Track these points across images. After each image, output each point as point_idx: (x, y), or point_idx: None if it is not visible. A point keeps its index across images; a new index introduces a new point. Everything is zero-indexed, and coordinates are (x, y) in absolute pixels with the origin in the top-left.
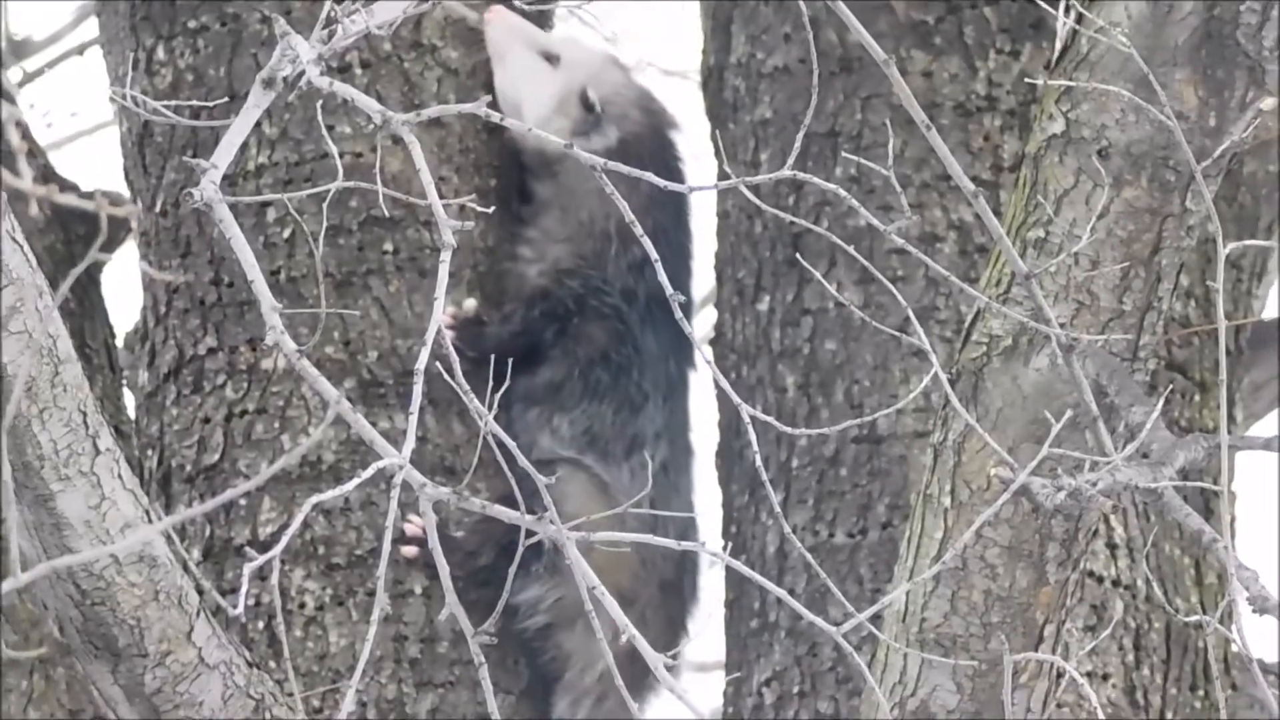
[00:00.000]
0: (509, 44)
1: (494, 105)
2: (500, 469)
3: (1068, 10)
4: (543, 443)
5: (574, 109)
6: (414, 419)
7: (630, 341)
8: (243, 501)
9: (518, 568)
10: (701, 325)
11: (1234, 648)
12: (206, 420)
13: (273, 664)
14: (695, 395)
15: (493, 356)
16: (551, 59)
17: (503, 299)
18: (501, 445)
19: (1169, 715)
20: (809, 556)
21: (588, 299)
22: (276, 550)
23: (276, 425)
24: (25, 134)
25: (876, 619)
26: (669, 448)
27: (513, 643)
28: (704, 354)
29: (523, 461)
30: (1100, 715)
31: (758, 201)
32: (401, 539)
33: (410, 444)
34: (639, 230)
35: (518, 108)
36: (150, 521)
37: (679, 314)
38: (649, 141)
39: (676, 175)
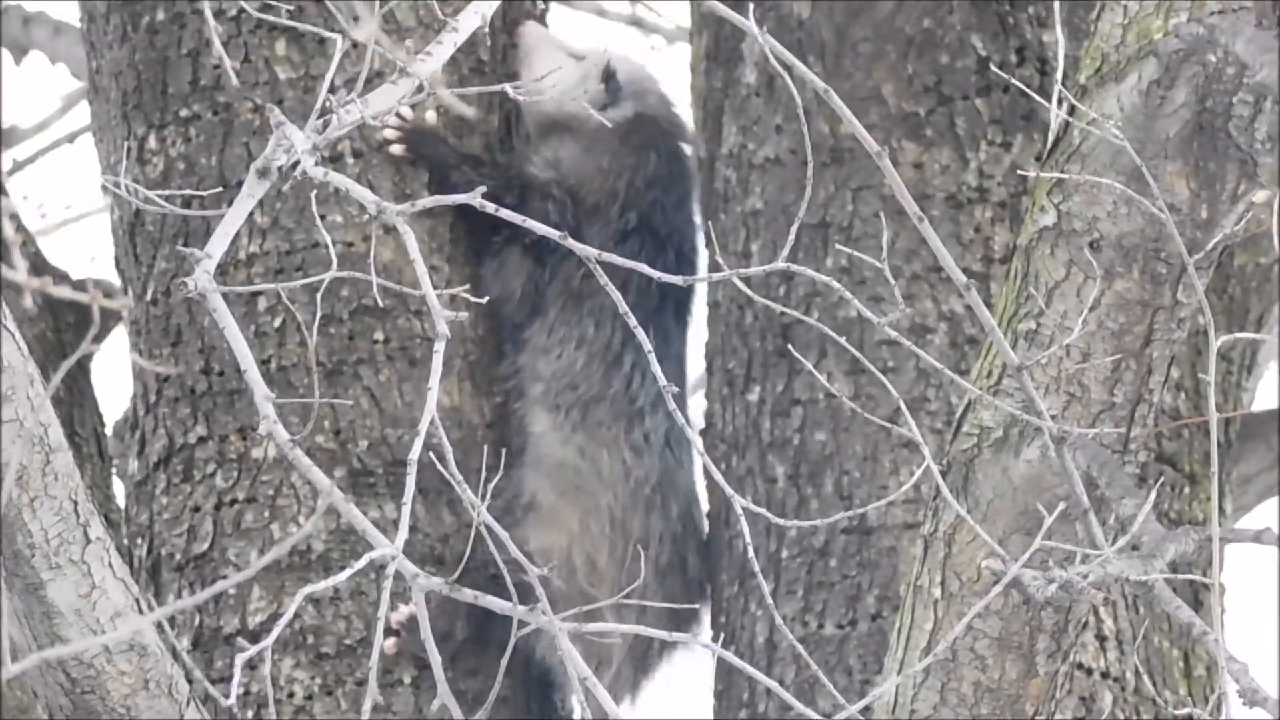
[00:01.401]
0: (539, 43)
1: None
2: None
3: (1059, 102)
4: (532, 392)
5: (594, 84)
6: (406, 509)
7: (594, 288)
8: (232, 590)
9: (529, 639)
10: (692, 412)
11: None
12: (196, 509)
13: None
14: (684, 374)
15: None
16: (577, 57)
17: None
18: (494, 535)
19: None
20: (799, 647)
21: (569, 226)
22: (268, 641)
23: (266, 514)
24: (18, 224)
25: (866, 711)
26: (666, 420)
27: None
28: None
29: (515, 552)
30: None
31: (749, 292)
32: (386, 629)
33: (403, 534)
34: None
35: (541, 90)
36: (140, 610)
37: (672, 405)
38: (662, 122)
39: (683, 163)
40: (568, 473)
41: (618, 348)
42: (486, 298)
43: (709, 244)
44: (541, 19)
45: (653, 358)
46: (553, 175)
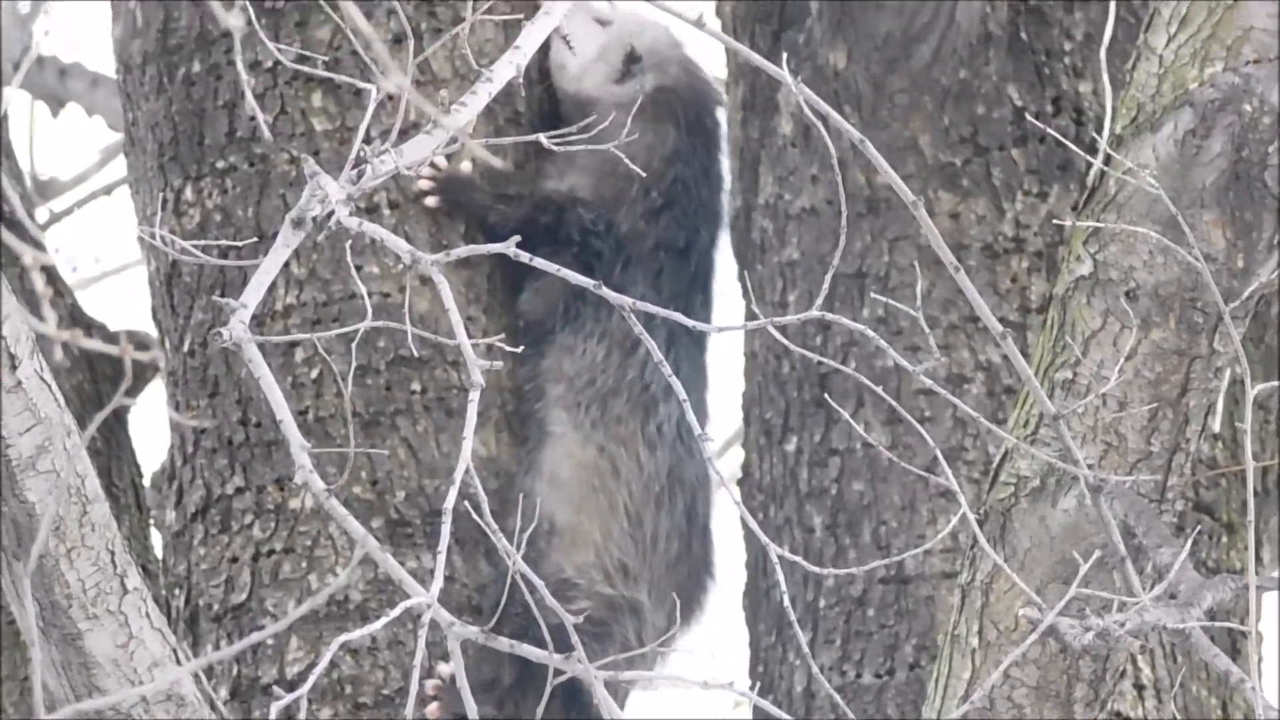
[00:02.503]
0: (568, 11)
1: (545, 68)
2: None
3: (1095, 151)
4: (553, 393)
5: (615, 57)
6: (441, 558)
7: (603, 278)
8: (270, 640)
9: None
10: (729, 463)
11: None
12: (234, 559)
13: None
14: (707, 355)
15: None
16: (604, 23)
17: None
18: (529, 583)
19: None
20: (836, 696)
21: (589, 236)
22: (304, 689)
23: (304, 565)
24: (51, 276)
25: None
26: (678, 409)
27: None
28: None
29: (550, 601)
30: None
31: (785, 342)
32: (422, 697)
33: (438, 583)
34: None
35: (564, 64)
36: (178, 661)
37: (708, 453)
38: (683, 92)
39: (707, 130)
40: (586, 474)
41: (635, 336)
42: (524, 314)
43: (745, 294)
44: None
45: (687, 406)
46: (574, 179)
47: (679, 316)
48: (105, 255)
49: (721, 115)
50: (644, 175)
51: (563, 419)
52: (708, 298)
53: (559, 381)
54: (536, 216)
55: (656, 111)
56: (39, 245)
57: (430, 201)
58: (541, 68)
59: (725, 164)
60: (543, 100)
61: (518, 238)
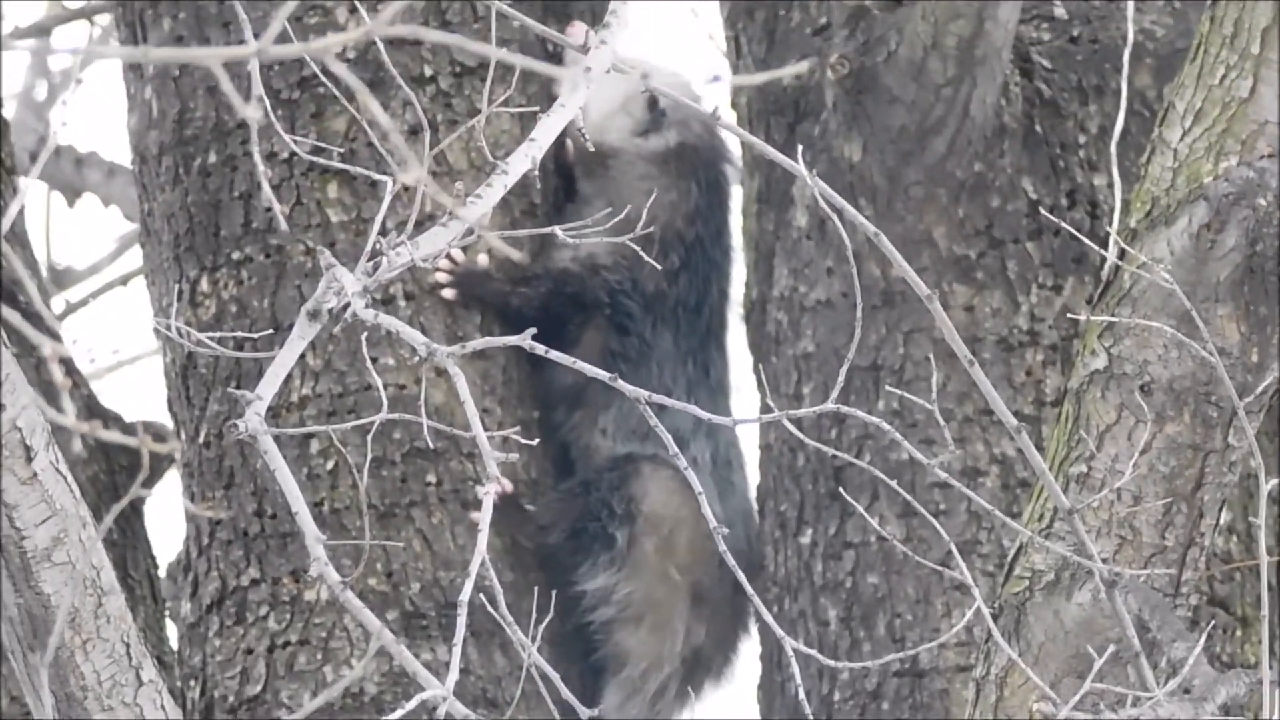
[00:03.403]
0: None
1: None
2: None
3: (1109, 245)
4: (599, 444)
5: (638, 109)
6: (457, 651)
7: (637, 335)
8: None
9: (587, 556)
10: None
11: None
12: (249, 651)
13: None
14: (729, 401)
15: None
16: (621, 70)
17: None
18: (545, 676)
19: None
20: None
21: (619, 296)
22: None
23: (319, 657)
24: (69, 367)
25: None
26: (709, 443)
27: (571, 630)
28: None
29: (566, 694)
30: None
31: (800, 435)
32: None
33: (454, 676)
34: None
35: (584, 111)
36: None
37: (721, 546)
38: (705, 152)
39: (722, 188)
40: (663, 521)
41: (669, 386)
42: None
43: (760, 387)
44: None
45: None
46: (594, 241)
47: (697, 411)
48: (122, 345)
49: (733, 171)
50: (667, 234)
51: (602, 447)
52: (723, 350)
53: (603, 436)
54: (560, 289)
55: (680, 168)
56: (56, 336)
57: (447, 294)
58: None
59: (733, 218)
60: (557, 149)
61: (533, 330)
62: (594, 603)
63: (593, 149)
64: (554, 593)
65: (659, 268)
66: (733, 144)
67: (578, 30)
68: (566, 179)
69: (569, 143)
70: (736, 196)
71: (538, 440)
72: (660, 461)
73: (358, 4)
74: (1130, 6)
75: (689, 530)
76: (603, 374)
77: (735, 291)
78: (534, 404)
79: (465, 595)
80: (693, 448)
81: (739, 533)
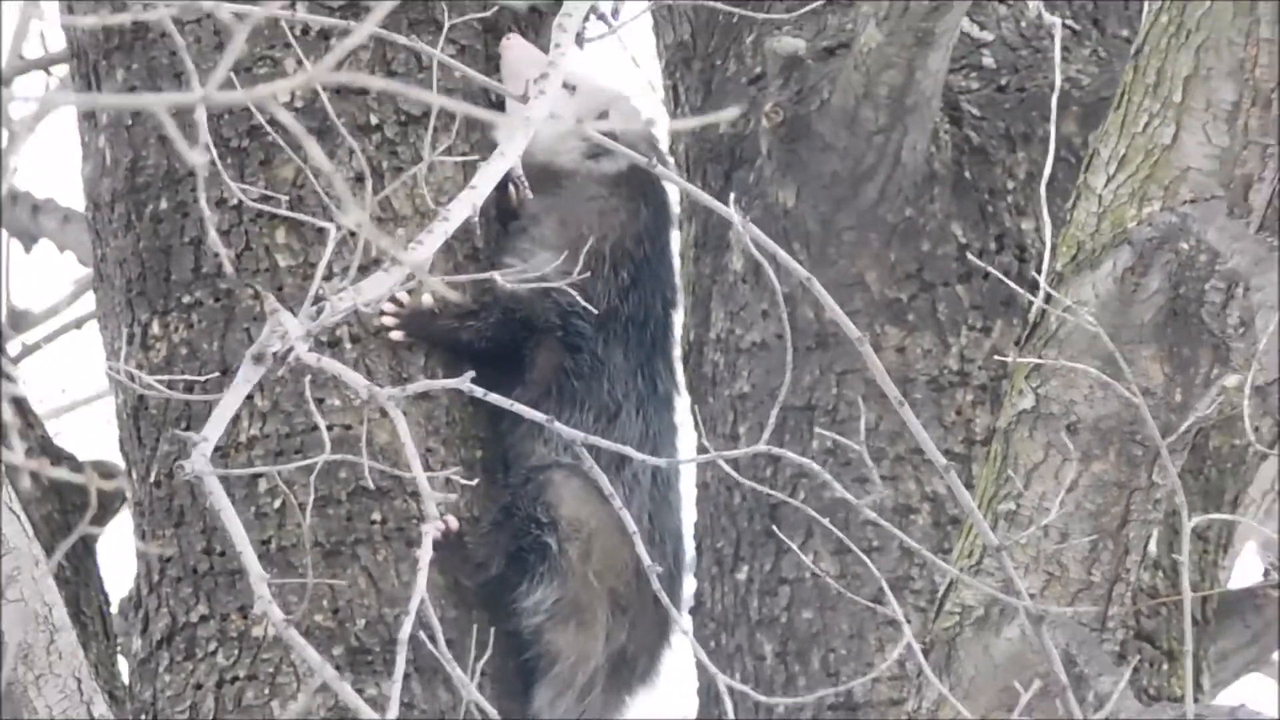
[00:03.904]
0: (526, 65)
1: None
2: None
3: (1037, 288)
4: (538, 450)
5: (593, 114)
6: (397, 687)
7: (589, 353)
8: None
9: (525, 573)
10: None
11: None
12: (199, 686)
13: None
14: (675, 413)
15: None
16: (568, 87)
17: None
18: (483, 713)
19: None
20: None
21: (570, 316)
22: None
23: (267, 691)
24: (22, 407)
25: None
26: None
27: (502, 641)
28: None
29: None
30: None
31: (736, 475)
32: None
33: (394, 710)
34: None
35: (536, 133)
36: None
37: (656, 587)
38: (651, 174)
39: (667, 207)
40: (587, 507)
41: (619, 400)
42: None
43: (697, 427)
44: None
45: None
46: (544, 258)
47: (639, 455)
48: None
49: (673, 191)
50: (617, 253)
51: (539, 453)
52: (669, 362)
53: (546, 443)
54: (510, 316)
55: (630, 190)
56: (8, 378)
57: (395, 336)
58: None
59: (672, 240)
60: (499, 194)
61: (472, 373)
62: (532, 612)
63: (544, 166)
64: (493, 629)
65: (610, 286)
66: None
67: (512, 43)
68: (505, 222)
69: (510, 188)
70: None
71: (477, 480)
72: (572, 469)
73: (302, 56)
74: (1057, 56)
75: (604, 538)
76: (540, 416)
77: (678, 305)
78: (477, 443)
79: (405, 633)
80: (633, 464)
81: (667, 550)
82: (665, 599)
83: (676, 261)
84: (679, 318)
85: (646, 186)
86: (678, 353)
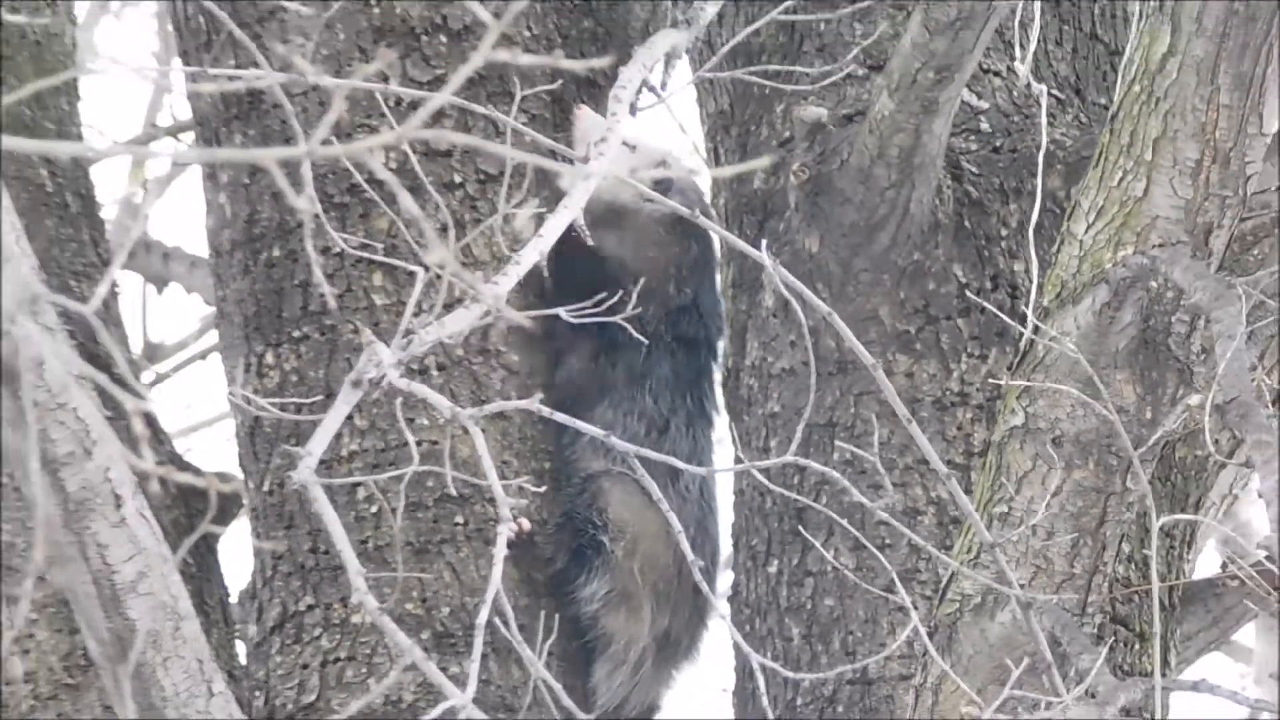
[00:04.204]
0: (594, 128)
1: None
2: None
3: (1026, 321)
4: (594, 466)
5: (646, 180)
6: (475, 665)
7: (635, 365)
8: None
9: (584, 568)
10: (721, 581)
11: None
12: (305, 666)
13: None
14: (715, 433)
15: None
16: (628, 145)
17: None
18: (549, 687)
19: None
20: None
21: (622, 330)
22: None
23: (364, 670)
24: (153, 425)
25: None
26: (701, 477)
27: (565, 626)
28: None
29: (566, 702)
30: None
31: (767, 482)
32: None
33: (473, 686)
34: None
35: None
36: None
37: (699, 579)
38: (702, 206)
39: (712, 250)
40: (637, 513)
41: (667, 414)
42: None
43: (734, 442)
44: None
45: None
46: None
47: (678, 463)
48: (201, 409)
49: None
50: (675, 277)
51: (596, 466)
52: (712, 388)
53: (605, 455)
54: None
55: (685, 229)
56: (140, 397)
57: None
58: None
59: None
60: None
61: (540, 395)
62: (589, 601)
63: (609, 204)
64: (558, 615)
65: (661, 309)
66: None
67: (583, 113)
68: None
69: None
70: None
71: (544, 488)
72: (619, 476)
73: (394, 122)
74: (1044, 120)
75: (646, 539)
76: (599, 432)
77: (723, 334)
78: (545, 456)
79: (482, 619)
80: (685, 477)
81: (706, 550)
82: (705, 589)
83: (723, 301)
84: (723, 346)
85: (695, 226)
86: (719, 377)
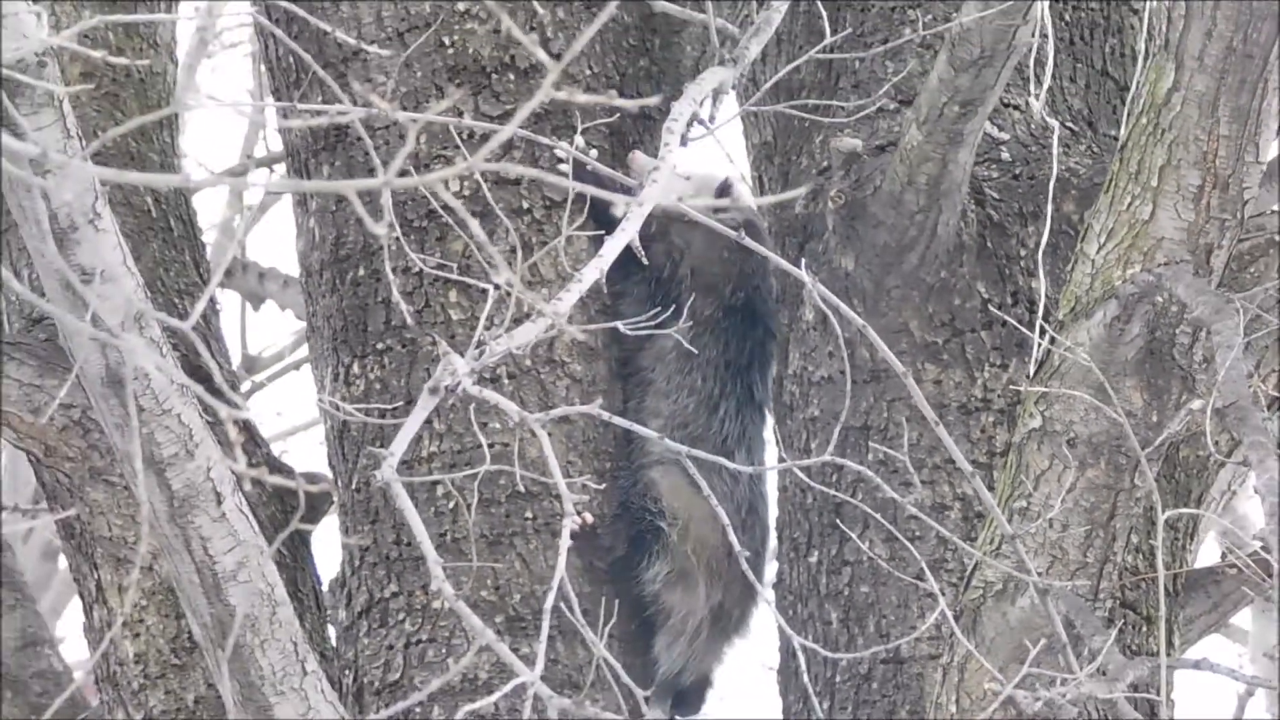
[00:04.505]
0: (649, 166)
1: None
2: None
3: (1043, 334)
4: (653, 448)
5: (708, 193)
6: (543, 646)
7: (689, 351)
8: (418, 710)
9: (645, 553)
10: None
11: None
12: (390, 647)
13: None
14: (765, 424)
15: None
16: (685, 178)
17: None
18: (610, 666)
19: None
20: None
21: (672, 299)
22: None
23: (443, 651)
24: (249, 430)
25: None
26: (748, 459)
27: (631, 602)
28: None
29: (625, 679)
30: None
31: (808, 480)
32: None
33: (540, 664)
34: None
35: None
36: None
37: (745, 568)
38: (757, 225)
39: (766, 258)
40: (685, 492)
41: (717, 396)
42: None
43: (778, 443)
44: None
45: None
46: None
47: (725, 462)
48: (295, 415)
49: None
50: (735, 278)
51: (654, 450)
52: (765, 379)
53: (656, 417)
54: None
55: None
56: (235, 406)
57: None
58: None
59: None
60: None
61: (601, 400)
62: (651, 581)
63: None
64: (618, 601)
65: (720, 304)
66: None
67: (637, 159)
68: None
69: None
70: None
71: (605, 485)
72: (670, 465)
73: (466, 154)
74: (1055, 151)
75: (697, 523)
76: (652, 434)
77: (777, 337)
78: (606, 456)
79: (549, 604)
80: (736, 458)
81: (755, 534)
82: (750, 575)
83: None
84: (776, 350)
85: (754, 235)
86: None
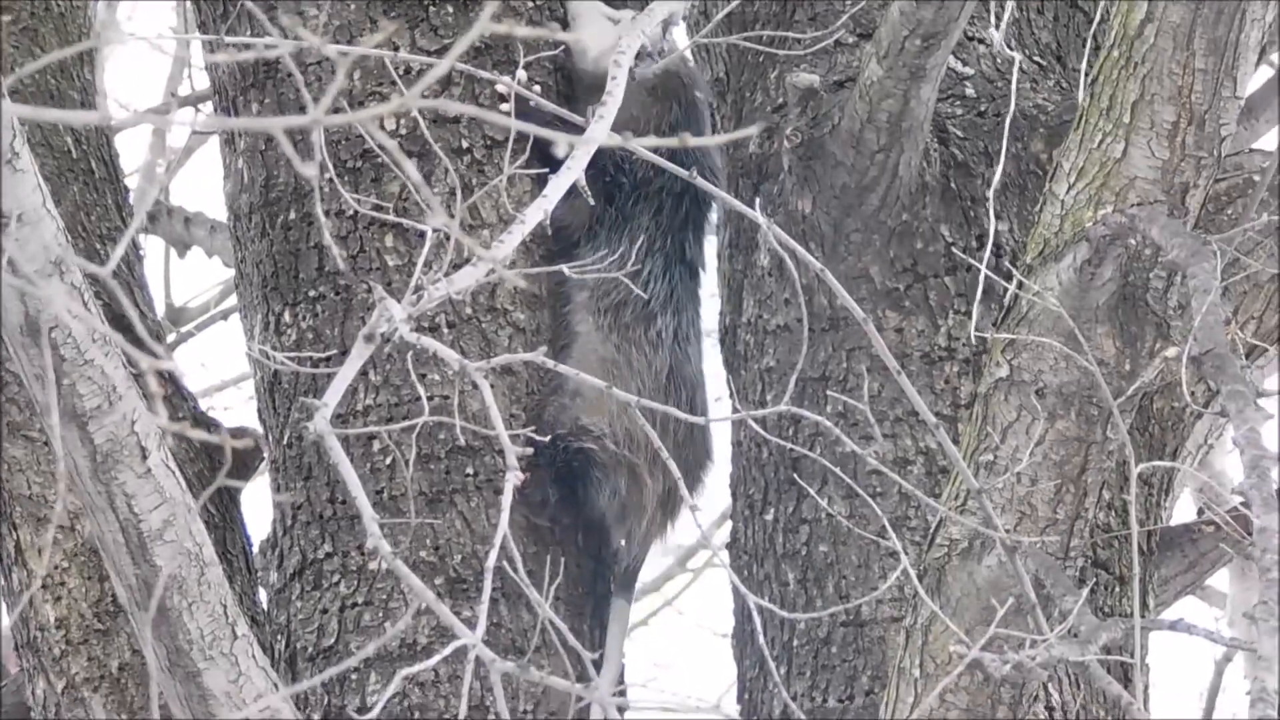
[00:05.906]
0: (584, 9)
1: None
2: None
3: (1010, 277)
4: (578, 298)
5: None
6: (484, 608)
7: (619, 208)
8: (354, 676)
9: (582, 481)
10: (720, 534)
11: None
12: (324, 611)
13: None
14: (700, 285)
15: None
16: (614, 20)
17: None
18: (556, 628)
19: None
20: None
21: (619, 173)
22: (374, 712)
23: (380, 615)
24: (174, 383)
25: None
26: (675, 318)
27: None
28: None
29: (573, 642)
30: None
31: (764, 433)
32: None
33: (481, 628)
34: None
35: (585, 50)
36: (277, 691)
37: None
38: (681, 76)
39: (698, 107)
40: (607, 365)
41: (641, 259)
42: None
43: (731, 395)
44: None
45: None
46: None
47: (675, 412)
48: (223, 367)
49: (703, 96)
50: (657, 136)
51: (587, 321)
52: (699, 238)
53: (583, 289)
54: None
55: (664, 90)
56: (156, 355)
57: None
58: (565, 55)
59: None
60: (560, 79)
61: (545, 349)
62: (607, 504)
63: (593, 75)
64: (564, 560)
65: (645, 161)
66: (700, 73)
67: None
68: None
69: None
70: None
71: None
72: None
73: (403, 89)
74: (1014, 86)
75: (621, 424)
76: (600, 384)
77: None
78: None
79: (490, 563)
80: (659, 321)
81: (684, 395)
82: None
83: (719, 160)
84: (716, 211)
85: (679, 89)
86: (711, 238)
